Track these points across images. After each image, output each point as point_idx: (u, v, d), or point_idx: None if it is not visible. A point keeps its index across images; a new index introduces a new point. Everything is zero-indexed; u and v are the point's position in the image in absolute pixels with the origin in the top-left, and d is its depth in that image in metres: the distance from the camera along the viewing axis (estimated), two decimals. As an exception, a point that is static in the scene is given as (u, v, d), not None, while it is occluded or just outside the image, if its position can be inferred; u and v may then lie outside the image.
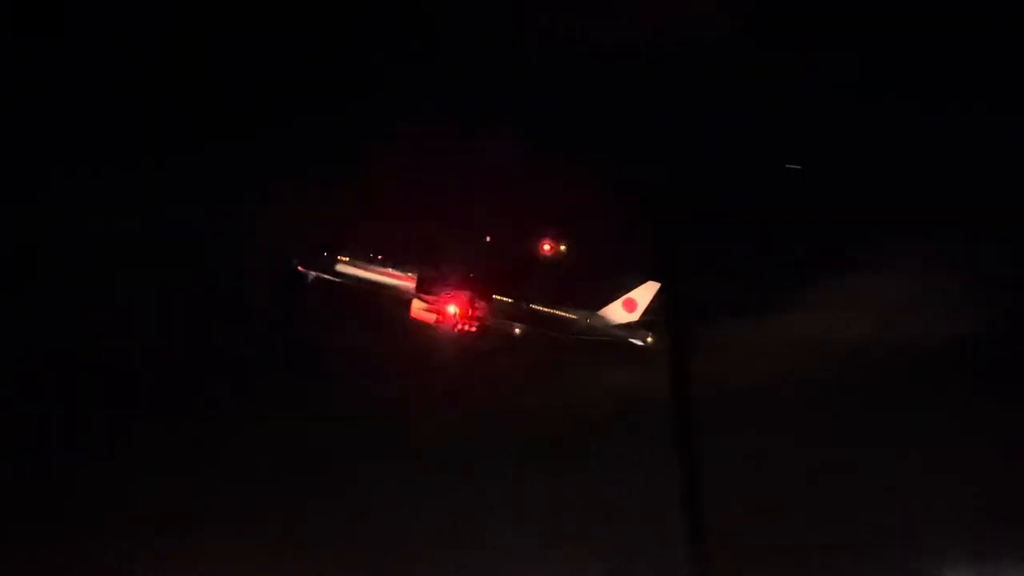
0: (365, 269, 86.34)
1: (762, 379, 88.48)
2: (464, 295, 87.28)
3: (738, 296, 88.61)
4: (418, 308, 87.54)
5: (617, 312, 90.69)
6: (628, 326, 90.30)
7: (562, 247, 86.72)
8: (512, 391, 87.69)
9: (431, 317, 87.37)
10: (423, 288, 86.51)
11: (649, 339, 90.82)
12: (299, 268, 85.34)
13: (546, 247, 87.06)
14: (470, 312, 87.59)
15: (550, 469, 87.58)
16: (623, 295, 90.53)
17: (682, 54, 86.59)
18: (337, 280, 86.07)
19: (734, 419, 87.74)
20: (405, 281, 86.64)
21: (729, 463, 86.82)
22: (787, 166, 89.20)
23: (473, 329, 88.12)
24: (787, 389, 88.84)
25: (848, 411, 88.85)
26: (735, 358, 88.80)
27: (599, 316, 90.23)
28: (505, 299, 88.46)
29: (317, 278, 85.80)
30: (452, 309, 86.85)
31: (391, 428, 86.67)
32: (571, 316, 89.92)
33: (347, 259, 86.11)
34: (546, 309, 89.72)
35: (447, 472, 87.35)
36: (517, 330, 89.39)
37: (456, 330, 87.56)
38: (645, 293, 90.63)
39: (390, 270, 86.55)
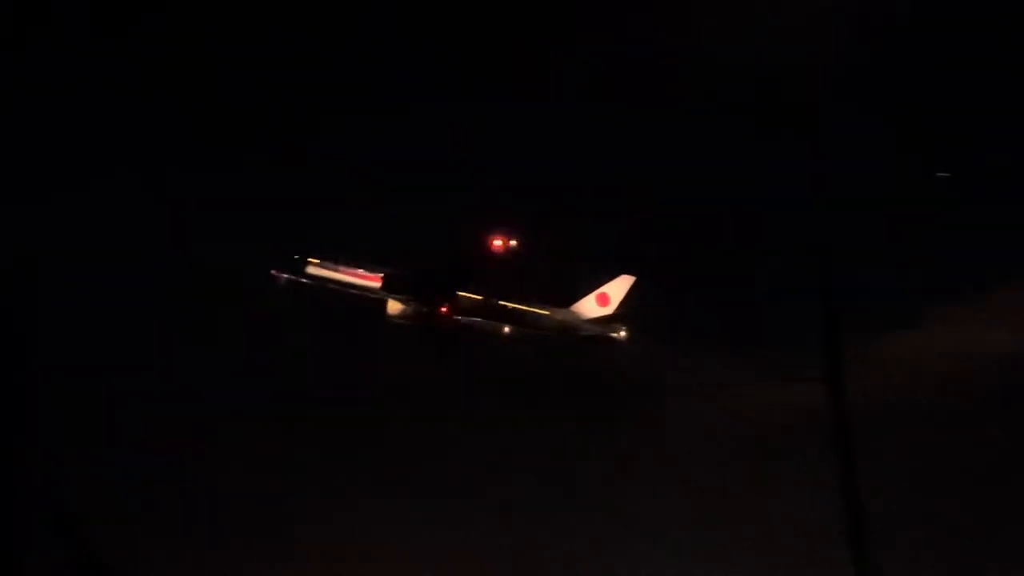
0: (335, 271, 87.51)
1: (922, 392, 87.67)
2: (432, 293, 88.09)
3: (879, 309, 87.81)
4: (393, 308, 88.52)
5: (590, 307, 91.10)
6: (601, 320, 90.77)
7: (512, 243, 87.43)
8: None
9: (406, 316, 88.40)
10: (388, 287, 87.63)
11: (622, 333, 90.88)
12: (272, 272, 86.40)
13: (497, 243, 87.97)
14: (441, 310, 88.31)
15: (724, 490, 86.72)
16: (596, 289, 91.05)
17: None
18: (309, 283, 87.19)
19: (890, 435, 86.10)
20: (373, 281, 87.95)
21: (888, 482, 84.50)
22: (938, 174, 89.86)
23: (446, 326, 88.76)
24: (946, 402, 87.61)
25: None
26: (887, 372, 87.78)
27: (571, 311, 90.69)
28: (474, 296, 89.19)
29: (290, 281, 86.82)
30: (422, 308, 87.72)
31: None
32: (542, 312, 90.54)
33: (318, 262, 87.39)
34: (516, 306, 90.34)
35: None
36: (507, 330, 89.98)
37: (429, 327, 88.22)
38: (619, 287, 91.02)
39: (359, 271, 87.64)
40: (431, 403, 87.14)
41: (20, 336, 77.10)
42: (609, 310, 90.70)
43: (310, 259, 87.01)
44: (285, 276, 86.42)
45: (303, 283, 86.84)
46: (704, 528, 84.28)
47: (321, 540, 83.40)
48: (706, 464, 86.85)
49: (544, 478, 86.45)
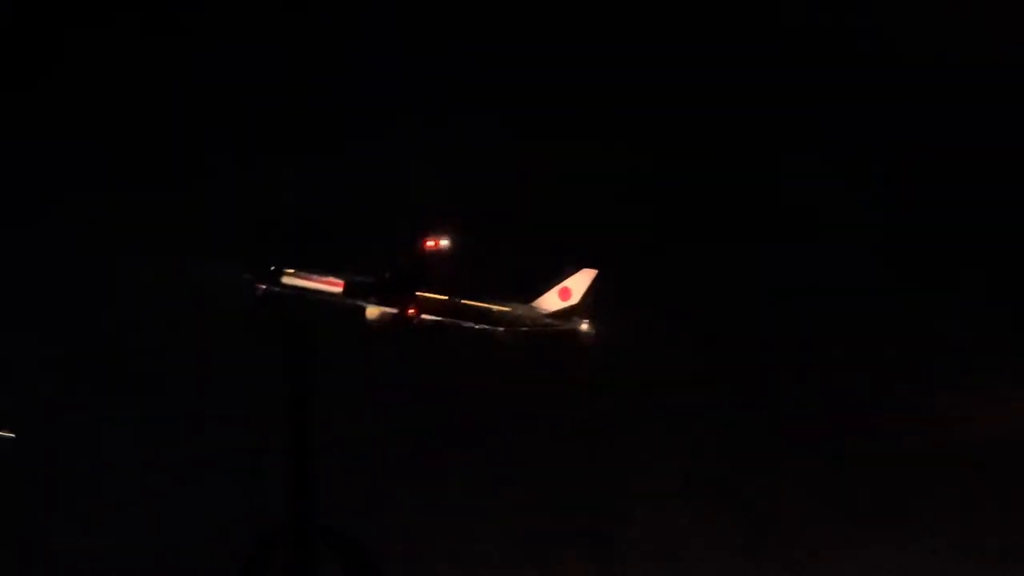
0: (306, 279, 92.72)
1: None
2: (390, 296, 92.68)
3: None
4: (371, 313, 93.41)
5: (552, 301, 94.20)
6: (563, 315, 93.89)
7: (443, 242, 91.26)
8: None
9: (381, 319, 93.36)
10: (349, 293, 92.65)
11: (584, 326, 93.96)
12: (252, 283, 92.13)
13: (429, 244, 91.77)
14: (408, 312, 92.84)
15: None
16: (558, 284, 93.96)
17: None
18: (284, 291, 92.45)
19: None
20: (338, 287, 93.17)
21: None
22: None
23: (414, 325, 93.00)
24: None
25: None
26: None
27: (532, 307, 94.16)
28: (438, 297, 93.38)
29: (266, 291, 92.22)
30: (385, 309, 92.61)
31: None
32: (502, 308, 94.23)
33: (292, 272, 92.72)
34: (476, 303, 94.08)
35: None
36: (504, 329, 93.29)
37: (399, 327, 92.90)
38: (580, 281, 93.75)
39: (328, 278, 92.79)
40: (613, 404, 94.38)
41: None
42: (571, 303, 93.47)
43: (285, 269, 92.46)
44: (263, 287, 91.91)
45: (279, 292, 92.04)
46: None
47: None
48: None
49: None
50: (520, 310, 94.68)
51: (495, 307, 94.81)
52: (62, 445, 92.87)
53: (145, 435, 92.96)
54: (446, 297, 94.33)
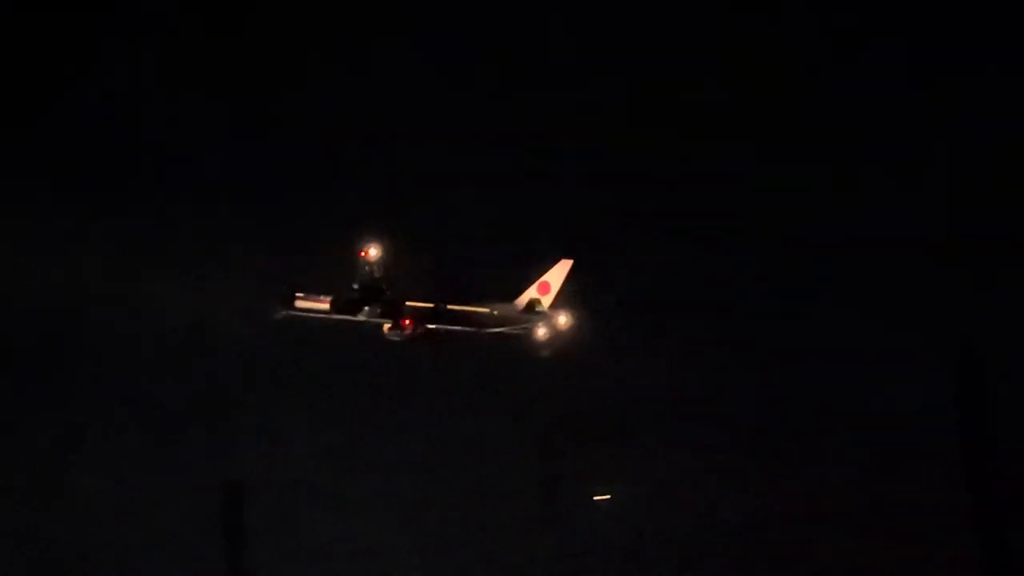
0: (313, 301, 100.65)
1: None
2: (387, 309, 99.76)
3: None
4: (386, 329, 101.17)
5: (532, 298, 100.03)
6: (543, 310, 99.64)
7: (372, 251, 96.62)
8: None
9: (396, 334, 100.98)
10: (336, 308, 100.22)
11: (562, 319, 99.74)
12: (278, 311, 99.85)
13: (362, 255, 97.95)
14: (404, 322, 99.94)
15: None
16: (537, 280, 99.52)
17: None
18: (299, 314, 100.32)
19: None
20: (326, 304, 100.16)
21: None
22: None
23: (419, 335, 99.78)
24: None
25: None
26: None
27: (513, 305, 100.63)
28: (425, 305, 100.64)
29: (285, 315, 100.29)
30: (391, 322, 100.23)
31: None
32: (482, 310, 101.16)
33: (302, 295, 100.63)
34: (460, 308, 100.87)
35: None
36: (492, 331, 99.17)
37: (406, 338, 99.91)
38: (558, 273, 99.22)
39: (322, 297, 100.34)
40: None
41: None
42: (551, 298, 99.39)
43: (296, 294, 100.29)
44: (284, 312, 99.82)
45: (298, 316, 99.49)
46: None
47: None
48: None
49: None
50: (498, 309, 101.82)
51: (475, 309, 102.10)
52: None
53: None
54: (432, 305, 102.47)
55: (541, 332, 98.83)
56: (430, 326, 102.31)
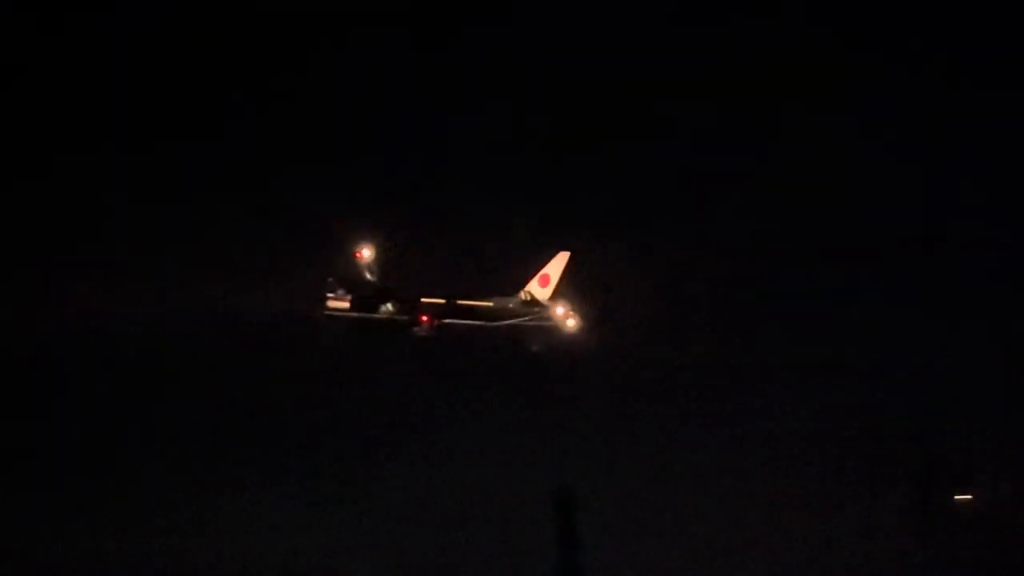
0: (340, 300, 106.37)
1: None
2: (404, 306, 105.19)
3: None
4: (413, 327, 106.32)
5: (535, 290, 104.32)
6: (544, 302, 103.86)
7: (366, 252, 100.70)
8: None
9: (420, 331, 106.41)
10: (354, 307, 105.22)
11: (561, 309, 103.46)
12: (324, 309, 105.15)
13: (356, 255, 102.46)
14: (422, 319, 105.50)
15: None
16: (537, 272, 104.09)
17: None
18: (332, 314, 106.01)
19: None
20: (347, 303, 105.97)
21: None
22: None
23: (434, 330, 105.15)
24: None
25: None
26: None
27: (517, 297, 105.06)
28: (438, 301, 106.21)
29: (319, 315, 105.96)
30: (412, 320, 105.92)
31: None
32: (488, 304, 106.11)
33: (332, 295, 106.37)
34: (468, 302, 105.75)
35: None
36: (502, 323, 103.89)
37: (424, 334, 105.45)
38: (556, 265, 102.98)
39: (346, 296, 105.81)
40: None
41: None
42: (551, 289, 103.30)
43: (328, 295, 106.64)
44: (327, 310, 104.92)
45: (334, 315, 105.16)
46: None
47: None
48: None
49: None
50: (502, 302, 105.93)
51: (481, 303, 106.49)
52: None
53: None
54: (444, 301, 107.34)
55: (570, 323, 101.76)
56: (445, 321, 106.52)
